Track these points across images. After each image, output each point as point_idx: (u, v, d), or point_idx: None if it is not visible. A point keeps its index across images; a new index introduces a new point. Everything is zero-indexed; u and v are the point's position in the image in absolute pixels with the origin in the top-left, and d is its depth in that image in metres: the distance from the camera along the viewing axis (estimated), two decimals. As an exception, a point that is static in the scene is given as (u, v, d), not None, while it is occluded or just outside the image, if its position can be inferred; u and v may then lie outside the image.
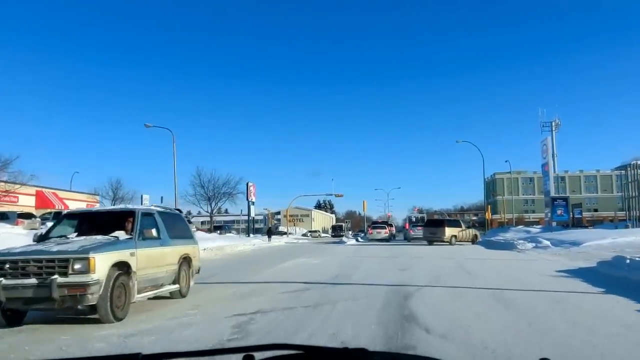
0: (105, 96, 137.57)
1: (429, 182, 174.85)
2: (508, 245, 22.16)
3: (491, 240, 28.26)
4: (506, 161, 56.35)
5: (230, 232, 60.31)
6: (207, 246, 25.64)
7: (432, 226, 30.22)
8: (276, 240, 47.68)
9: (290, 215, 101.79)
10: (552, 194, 41.99)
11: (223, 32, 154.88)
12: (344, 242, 34.47)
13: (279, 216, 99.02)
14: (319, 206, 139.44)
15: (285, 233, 65.46)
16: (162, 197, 26.62)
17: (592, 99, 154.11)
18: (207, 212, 54.85)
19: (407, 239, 36.71)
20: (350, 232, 63.23)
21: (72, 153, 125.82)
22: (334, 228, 75.06)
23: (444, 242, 27.90)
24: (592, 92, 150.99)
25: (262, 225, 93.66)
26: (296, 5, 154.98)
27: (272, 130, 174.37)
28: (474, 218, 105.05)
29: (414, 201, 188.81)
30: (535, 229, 41.10)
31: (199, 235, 34.16)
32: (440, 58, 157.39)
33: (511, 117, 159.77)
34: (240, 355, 1.11)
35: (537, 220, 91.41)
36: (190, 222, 41.10)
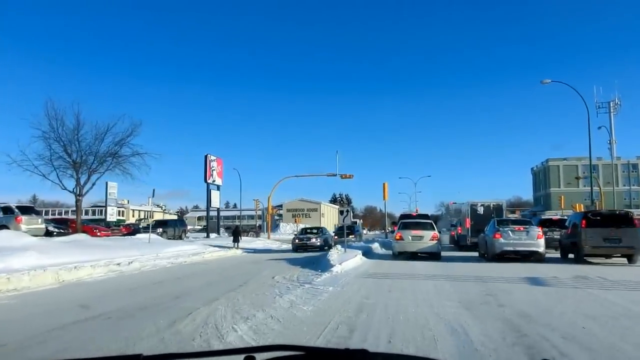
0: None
1: (451, 178, 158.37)
2: None
3: None
4: (599, 128, 39.37)
5: (215, 234, 43.60)
6: None
7: (611, 224, 15.41)
8: (247, 243, 32.70)
9: (294, 210, 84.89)
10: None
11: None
12: (325, 268, 13.01)
13: (281, 211, 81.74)
14: (334, 200, 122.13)
15: (258, 232, 49.86)
16: None
17: None
18: (72, 190, 27.18)
19: (489, 253, 17.02)
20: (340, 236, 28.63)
21: None
22: (340, 229, 52.24)
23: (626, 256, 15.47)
24: None
25: (264, 223, 77.27)
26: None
27: (282, 118, 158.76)
28: (512, 216, 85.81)
29: (437, 198, 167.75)
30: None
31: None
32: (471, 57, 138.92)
33: (554, 102, 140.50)
34: (242, 356, 1.09)
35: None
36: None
